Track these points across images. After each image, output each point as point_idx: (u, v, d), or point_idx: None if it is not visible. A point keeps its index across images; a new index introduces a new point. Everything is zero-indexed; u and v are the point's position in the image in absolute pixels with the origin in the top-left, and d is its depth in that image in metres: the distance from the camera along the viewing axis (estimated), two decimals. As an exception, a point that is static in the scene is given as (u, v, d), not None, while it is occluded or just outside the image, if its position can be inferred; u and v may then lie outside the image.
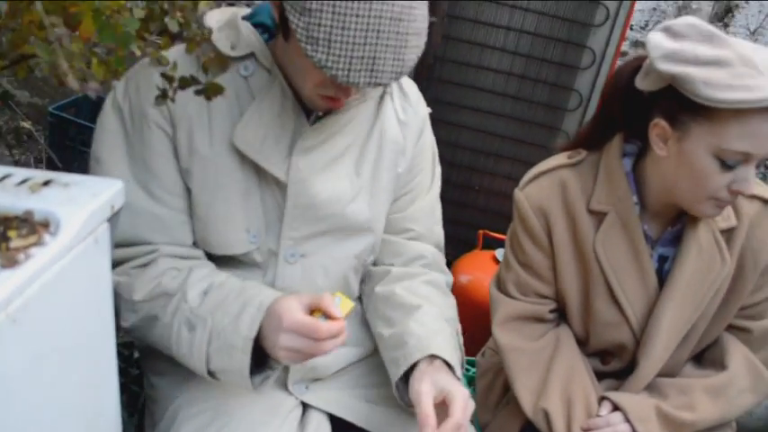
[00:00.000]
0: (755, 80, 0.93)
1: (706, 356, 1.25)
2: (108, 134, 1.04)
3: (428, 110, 1.24)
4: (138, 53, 0.80)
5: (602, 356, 1.25)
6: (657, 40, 1.03)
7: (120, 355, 0.94)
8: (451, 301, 1.23)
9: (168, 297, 1.01)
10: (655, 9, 2.72)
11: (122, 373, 1.05)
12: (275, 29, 1.05)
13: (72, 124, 2.05)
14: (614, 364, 1.24)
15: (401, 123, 1.18)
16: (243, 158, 1.03)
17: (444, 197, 2.03)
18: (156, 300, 1.02)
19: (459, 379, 1.05)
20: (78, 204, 0.74)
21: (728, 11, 2.68)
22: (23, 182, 0.79)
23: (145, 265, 1.04)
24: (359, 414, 1.11)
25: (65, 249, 0.69)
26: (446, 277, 1.27)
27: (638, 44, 2.64)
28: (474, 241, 2.11)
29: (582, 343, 1.25)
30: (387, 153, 1.15)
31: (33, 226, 0.70)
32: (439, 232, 1.29)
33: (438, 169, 1.29)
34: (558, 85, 2.11)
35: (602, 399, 1.17)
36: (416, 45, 0.94)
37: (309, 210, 1.07)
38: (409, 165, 1.20)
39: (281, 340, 0.94)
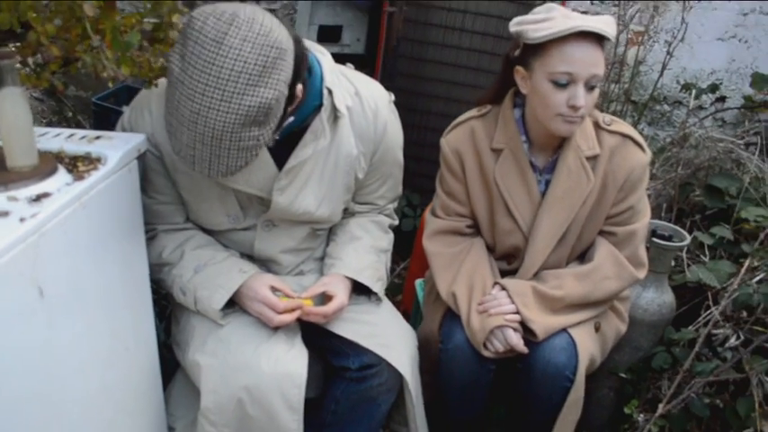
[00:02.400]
0: (565, 21, 1.35)
1: (586, 257, 1.63)
2: None
3: (391, 110, 1.54)
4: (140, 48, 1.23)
5: (507, 259, 1.65)
6: (521, 17, 1.45)
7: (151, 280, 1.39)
8: (388, 237, 1.67)
9: (170, 266, 1.45)
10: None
11: (154, 292, 1.49)
12: None
13: (113, 112, 2.31)
14: (515, 264, 1.63)
15: (357, 137, 1.47)
16: None
17: (422, 156, 2.48)
18: (162, 266, 1.46)
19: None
20: (118, 148, 1.20)
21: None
22: (83, 137, 1.24)
23: (152, 239, 1.46)
24: None
25: (110, 173, 1.14)
26: (390, 220, 1.70)
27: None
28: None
29: (491, 249, 1.65)
30: (342, 166, 1.47)
31: (92, 160, 1.16)
32: (395, 194, 1.69)
33: (401, 156, 1.63)
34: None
35: (494, 284, 1.57)
36: (244, 156, 1.14)
37: (286, 215, 1.46)
38: (370, 167, 1.53)
39: (252, 306, 1.40)
